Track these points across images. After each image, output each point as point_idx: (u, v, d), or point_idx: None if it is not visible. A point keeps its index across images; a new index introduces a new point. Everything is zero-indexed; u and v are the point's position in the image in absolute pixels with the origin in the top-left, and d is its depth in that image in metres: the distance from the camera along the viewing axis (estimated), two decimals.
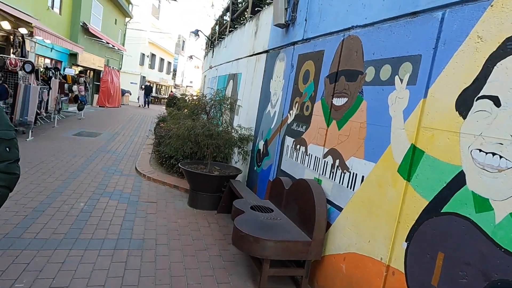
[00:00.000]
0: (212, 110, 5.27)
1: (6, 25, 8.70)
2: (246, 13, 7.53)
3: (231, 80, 7.17)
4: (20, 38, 10.34)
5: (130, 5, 23.44)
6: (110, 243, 3.47)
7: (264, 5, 5.93)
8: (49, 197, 4.52)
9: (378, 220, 2.35)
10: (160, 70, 37.90)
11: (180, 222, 4.28)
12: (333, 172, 2.95)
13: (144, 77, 32.00)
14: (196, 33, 10.50)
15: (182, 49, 50.24)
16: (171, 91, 42.89)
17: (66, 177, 5.56)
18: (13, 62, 7.71)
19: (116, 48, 21.07)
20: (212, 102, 5.19)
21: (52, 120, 10.89)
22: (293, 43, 4.07)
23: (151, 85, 30.55)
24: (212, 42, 11.05)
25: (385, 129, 2.39)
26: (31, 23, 8.49)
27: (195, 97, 5.60)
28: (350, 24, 2.95)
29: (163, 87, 40.87)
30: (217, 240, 3.89)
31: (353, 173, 2.68)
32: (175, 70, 48.24)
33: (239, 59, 6.71)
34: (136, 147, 9.01)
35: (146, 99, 25.81)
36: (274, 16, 4.28)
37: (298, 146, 3.62)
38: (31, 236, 3.39)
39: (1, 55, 8.12)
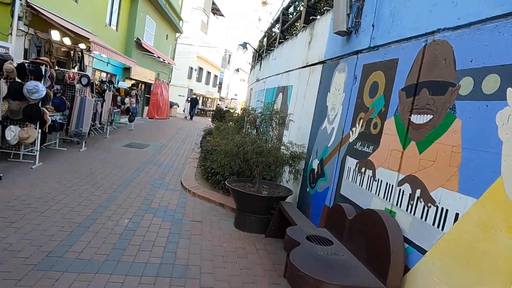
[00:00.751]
0: (262, 125, 4.94)
1: (67, 41, 9.18)
2: (297, 23, 7.20)
3: (281, 93, 6.84)
4: (79, 53, 10.93)
5: (181, 21, 24.34)
6: (153, 269, 3.20)
7: (319, 13, 5.55)
8: (95, 212, 4.42)
9: (482, 275, 1.81)
10: (207, 83, 38.91)
11: (226, 247, 3.94)
12: (411, 204, 2.44)
13: (191, 89, 32.97)
14: (244, 45, 10.39)
15: (228, 63, 51.40)
16: (218, 104, 43.79)
17: (113, 190, 5.51)
18: (71, 76, 8.05)
19: (166, 62, 21.85)
20: (263, 116, 4.87)
21: (104, 131, 11.29)
22: (357, 52, 3.63)
23: (197, 97, 31.39)
24: (260, 54, 10.86)
25: (491, 156, 1.87)
26: (89, 39, 8.88)
27: (240, 111, 5.30)
28: (435, 27, 2.46)
29: (209, 100, 41.83)
30: (266, 271, 3.48)
31: (442, 208, 2.15)
32: (220, 83, 49.35)
33: (289, 71, 6.37)
34: (182, 160, 8.95)
35: (192, 112, 26.38)
36: (334, 23, 3.88)
37: (363, 169, 3.14)
38: (73, 255, 3.22)
39: (61, 69, 8.53)
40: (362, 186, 3.12)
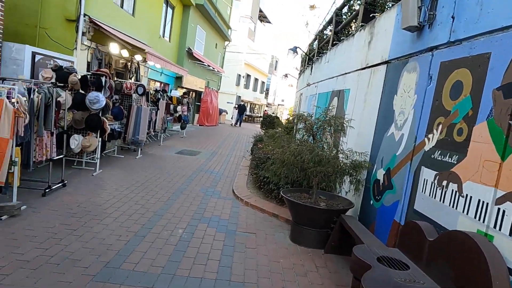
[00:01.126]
0: (319, 132, 4.64)
1: (125, 53, 9.63)
2: (353, 23, 6.81)
3: (336, 97, 6.47)
4: (136, 64, 11.45)
5: (229, 29, 24.79)
6: (208, 285, 3.04)
7: (379, 10, 5.14)
8: (150, 221, 4.42)
9: None
10: (254, 89, 39.22)
11: (283, 263, 3.68)
12: None
13: (239, 96, 33.40)
14: (294, 50, 10.15)
15: (275, 69, 51.47)
16: (265, 110, 43.92)
17: (167, 198, 5.53)
18: (128, 86, 8.39)
19: (216, 70, 22.32)
20: (320, 122, 4.57)
21: (158, 138, 11.67)
22: (431, 49, 3.21)
23: (245, 104, 31.65)
24: (310, 58, 10.53)
25: None
26: (145, 50, 9.23)
27: (290, 117, 5.04)
28: None
29: (257, 106, 42.10)
30: None
31: None
32: (267, 89, 49.53)
33: (346, 73, 6.00)
34: (233, 168, 8.89)
35: (239, 118, 26.37)
36: (402, 18, 3.49)
37: (444, 182, 2.71)
38: (130, 267, 3.18)
39: (120, 80, 8.94)
40: (443, 202, 2.69)
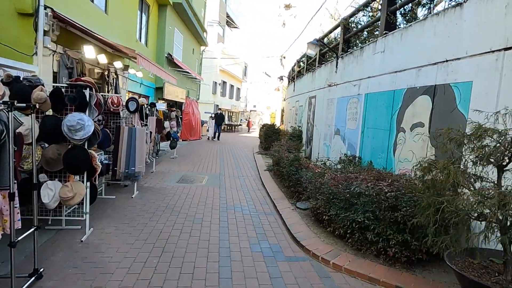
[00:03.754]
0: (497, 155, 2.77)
1: (103, 59, 7.35)
2: None
3: (425, 97, 4.68)
4: (114, 74, 9.15)
5: (205, 32, 22.72)
6: None
7: None
8: None
9: None
10: (231, 97, 37.22)
11: None
12: None
13: (217, 105, 31.24)
14: (315, 42, 8.31)
15: (245, 74, 49.79)
16: (249, 118, 41.97)
17: (211, 273, 3.44)
18: (116, 101, 6.16)
19: (196, 78, 20.15)
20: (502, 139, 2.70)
21: (148, 162, 9.38)
22: None
23: (223, 112, 29.14)
24: (335, 53, 8.71)
25: None
26: (128, 53, 6.99)
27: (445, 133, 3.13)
28: None
29: (234, 114, 40.05)
30: None
31: None
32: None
33: (455, 59, 4.21)
34: (260, 196, 6.88)
35: (217, 130, 20.85)
36: None
37: None
38: None
39: (103, 93, 6.66)
40: None
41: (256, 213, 5.71)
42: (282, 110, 30.02)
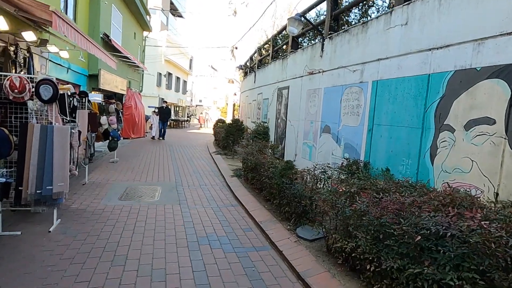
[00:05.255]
0: None
1: (3, 24, 4.94)
2: None
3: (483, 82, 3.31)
4: (26, 51, 6.64)
5: (148, 15, 20.00)
6: None
7: None
8: None
9: None
10: (177, 90, 34.42)
11: None
12: None
13: (162, 98, 28.40)
14: (298, 18, 6.68)
15: (190, 68, 47.00)
16: (201, 113, 39.37)
17: None
18: (17, 84, 3.92)
19: (138, 67, 17.51)
20: None
21: (78, 172, 7.06)
22: None
23: (169, 106, 25.76)
24: (318, 31, 7.15)
25: None
26: (47, 6, 4.62)
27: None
28: None
29: (180, 108, 37.27)
30: None
31: None
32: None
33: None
34: (237, 217, 5.12)
35: (162, 127, 17.50)
36: None
37: None
38: None
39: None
40: None
41: (243, 250, 3.94)
42: (234, 105, 28.26)
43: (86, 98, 6.79)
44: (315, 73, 7.23)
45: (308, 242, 3.95)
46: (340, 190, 3.34)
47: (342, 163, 5.27)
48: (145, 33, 20.57)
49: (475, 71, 3.45)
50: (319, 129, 6.86)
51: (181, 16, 42.23)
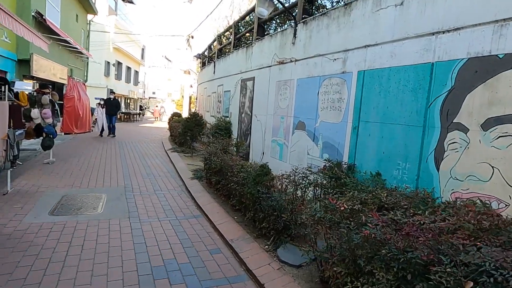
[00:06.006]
0: None
1: None
2: None
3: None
4: None
5: None
6: None
7: None
8: None
9: None
10: (127, 80, 32.01)
11: None
12: None
13: (111, 90, 26.14)
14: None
15: (142, 58, 44.28)
16: (156, 106, 37.17)
17: None
18: None
19: (82, 54, 15.61)
20: None
21: None
22: None
23: (118, 99, 23.02)
24: (290, 14, 6.35)
25: None
26: None
27: None
28: None
29: (131, 101, 34.85)
30: None
31: None
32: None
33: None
34: (200, 232, 4.21)
35: (111, 122, 14.99)
36: None
37: None
38: None
39: None
40: None
41: (212, 284, 3.04)
42: (191, 98, 26.81)
43: (6, 87, 5.40)
44: (286, 63, 6.45)
45: (295, 269, 3.17)
46: (342, 208, 2.58)
47: (324, 166, 4.55)
48: (89, 16, 18.48)
49: (496, 59, 2.85)
50: (292, 125, 6.11)
51: (131, 2, 39.38)
